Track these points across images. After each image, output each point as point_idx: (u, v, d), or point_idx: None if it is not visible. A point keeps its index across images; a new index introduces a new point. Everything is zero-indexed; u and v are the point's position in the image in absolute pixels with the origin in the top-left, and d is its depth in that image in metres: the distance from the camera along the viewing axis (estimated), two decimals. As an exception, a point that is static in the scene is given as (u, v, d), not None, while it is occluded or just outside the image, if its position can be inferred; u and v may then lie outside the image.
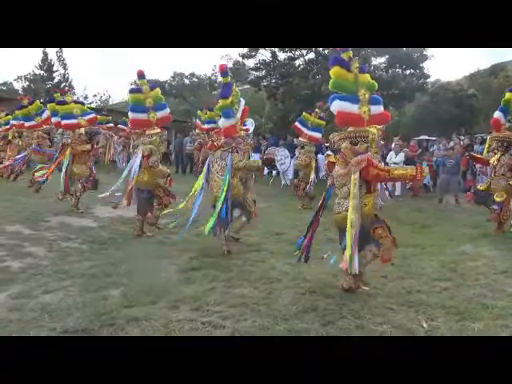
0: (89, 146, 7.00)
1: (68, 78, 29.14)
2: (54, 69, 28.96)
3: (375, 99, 3.73)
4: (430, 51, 16.55)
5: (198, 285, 3.73)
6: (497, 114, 6.13)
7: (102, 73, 45.99)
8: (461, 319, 3.14)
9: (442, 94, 20.45)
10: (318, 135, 8.23)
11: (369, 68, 15.64)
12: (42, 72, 28.77)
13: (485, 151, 6.78)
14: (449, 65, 60.15)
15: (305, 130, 8.15)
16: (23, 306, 3.19)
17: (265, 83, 17.36)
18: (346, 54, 3.57)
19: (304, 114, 8.27)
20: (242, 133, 5.20)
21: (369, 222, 3.59)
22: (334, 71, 3.59)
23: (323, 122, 8.20)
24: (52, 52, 28.98)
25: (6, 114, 12.11)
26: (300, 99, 15.44)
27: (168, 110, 5.68)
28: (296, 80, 15.87)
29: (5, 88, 27.86)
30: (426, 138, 14.79)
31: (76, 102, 7.40)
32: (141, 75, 5.45)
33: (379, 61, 16.93)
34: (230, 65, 24.62)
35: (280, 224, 6.33)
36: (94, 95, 27.95)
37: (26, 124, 9.37)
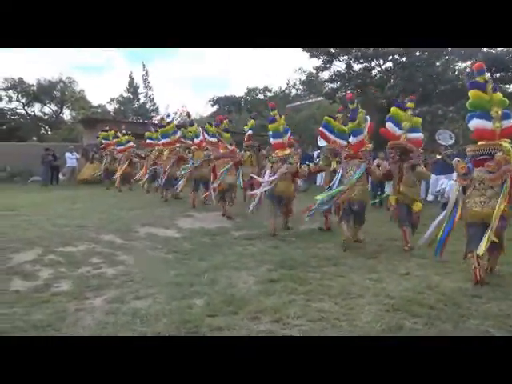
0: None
1: (153, 99, 31.43)
2: (140, 90, 31.40)
3: (506, 114, 4.28)
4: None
5: (278, 297, 3.74)
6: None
7: (180, 88, 48.74)
8: None
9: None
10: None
11: (453, 75, 14.84)
12: (129, 94, 31.36)
13: None
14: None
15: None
16: (117, 310, 3.44)
17: (340, 95, 17.14)
18: (482, 77, 4.25)
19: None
20: (370, 146, 6.09)
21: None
22: (472, 93, 4.27)
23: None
24: (138, 76, 31.50)
25: (124, 134, 13.48)
26: (377, 109, 14.98)
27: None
28: (372, 90, 15.46)
29: (99, 110, 30.74)
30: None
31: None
32: (273, 108, 6.68)
33: (465, 64, 15.86)
34: (304, 77, 24.94)
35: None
36: (175, 113, 29.73)
37: (163, 141, 10.79)
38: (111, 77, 50.94)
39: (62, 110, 30.11)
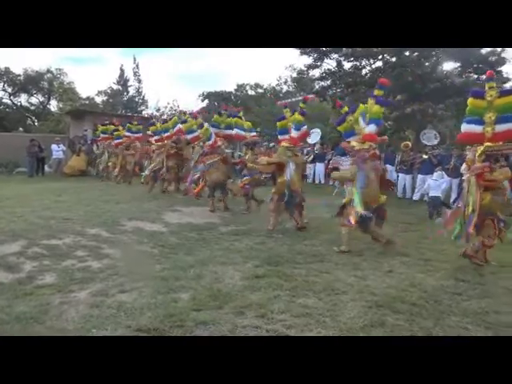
0: None
1: (142, 92, 31.12)
2: (130, 83, 31.07)
3: (503, 119, 4.58)
4: (508, 54, 15.36)
5: (263, 292, 3.77)
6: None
7: (170, 83, 48.33)
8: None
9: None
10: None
11: (441, 74, 15.00)
12: (118, 87, 31.01)
13: None
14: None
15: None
16: (102, 303, 3.44)
17: (330, 93, 17.20)
18: (489, 84, 4.67)
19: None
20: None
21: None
22: (470, 101, 4.76)
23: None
24: (128, 67, 31.18)
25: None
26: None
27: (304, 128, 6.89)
28: (363, 89, 15.55)
29: (87, 102, 30.35)
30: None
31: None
32: (285, 106, 7.17)
33: (452, 66, 16.05)
34: (295, 75, 24.95)
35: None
36: (165, 106, 29.52)
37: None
38: (101, 69, 50.33)
39: (49, 100, 29.70)
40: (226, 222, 7.17)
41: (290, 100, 25.39)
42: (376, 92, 5.53)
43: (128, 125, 13.14)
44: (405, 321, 3.22)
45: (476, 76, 15.83)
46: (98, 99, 31.88)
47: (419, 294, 3.80)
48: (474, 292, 3.91)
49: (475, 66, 15.30)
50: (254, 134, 9.03)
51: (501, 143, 4.70)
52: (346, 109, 5.85)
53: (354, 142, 5.59)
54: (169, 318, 3.15)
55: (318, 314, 3.32)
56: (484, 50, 15.10)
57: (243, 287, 3.91)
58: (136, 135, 12.87)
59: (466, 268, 4.66)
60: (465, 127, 4.83)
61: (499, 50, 15.06)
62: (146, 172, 10.90)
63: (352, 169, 5.50)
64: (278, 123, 7.01)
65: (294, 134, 6.63)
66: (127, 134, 12.99)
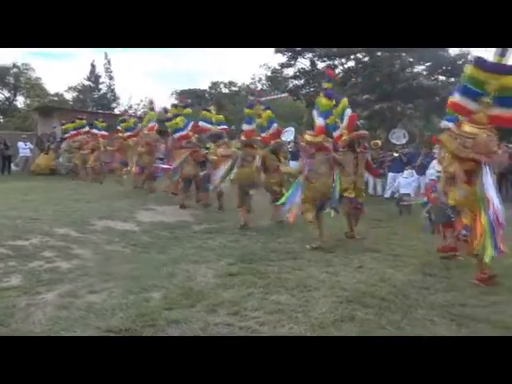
0: None
1: (113, 89, 30.49)
2: (101, 80, 30.38)
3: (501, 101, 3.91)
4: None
5: (236, 290, 3.78)
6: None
7: (143, 80, 47.55)
8: (508, 334, 2.99)
9: (489, 100, 19.58)
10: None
11: (410, 74, 15.38)
12: (89, 83, 30.26)
13: None
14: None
15: None
16: (71, 305, 3.36)
17: (304, 92, 17.35)
18: (498, 58, 3.80)
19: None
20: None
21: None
22: (471, 69, 3.94)
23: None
24: (100, 64, 30.50)
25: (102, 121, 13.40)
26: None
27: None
28: (335, 88, 15.77)
29: (56, 98, 29.47)
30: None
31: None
32: (257, 93, 7.50)
33: (420, 68, 16.48)
34: (269, 73, 25.02)
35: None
36: (138, 103, 29.03)
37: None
38: (71, 64, 48.90)
39: (15, 96, 28.60)
40: (199, 220, 7.14)
41: (264, 98, 25.50)
42: (325, 85, 5.65)
43: (95, 121, 13.00)
44: (374, 315, 3.29)
45: (444, 78, 16.33)
46: (68, 95, 31.03)
47: (388, 289, 3.89)
48: (441, 286, 4.04)
49: (444, 68, 15.78)
50: (224, 127, 8.75)
51: None
52: (329, 85, 5.66)
53: (307, 136, 5.64)
54: (140, 318, 3.11)
55: (291, 310, 3.35)
56: (453, 53, 15.57)
57: (216, 285, 3.90)
58: (101, 133, 12.74)
59: (434, 263, 4.80)
60: (459, 98, 4.11)
61: (466, 52, 15.56)
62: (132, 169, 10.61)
63: (300, 163, 5.60)
64: (245, 110, 6.87)
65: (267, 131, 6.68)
66: (94, 131, 12.87)
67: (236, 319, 3.17)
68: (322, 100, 5.55)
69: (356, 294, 3.71)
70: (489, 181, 3.91)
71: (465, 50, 15.37)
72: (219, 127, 8.65)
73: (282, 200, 5.76)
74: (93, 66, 30.25)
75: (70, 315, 3.17)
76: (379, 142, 11.80)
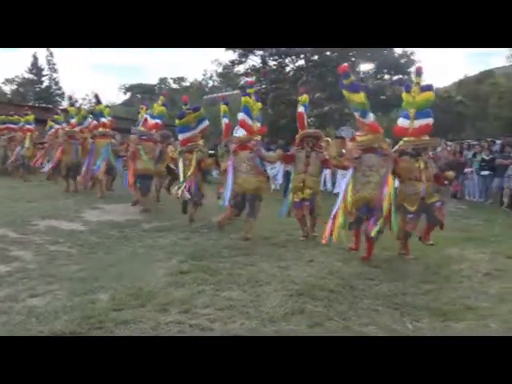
0: None
1: (58, 82, 29.01)
2: (44, 73, 28.79)
3: (421, 114, 4.88)
4: (417, 57, 16.78)
5: (187, 288, 3.74)
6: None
7: (90, 76, 45.70)
8: (444, 320, 3.21)
9: (430, 100, 20.71)
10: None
11: (358, 75, 15.94)
12: (31, 76, 28.58)
13: None
14: (437, 71, 60.89)
15: None
16: (10, 310, 3.17)
17: (255, 89, 17.43)
18: (416, 79, 5.10)
19: None
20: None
21: None
22: (403, 95, 5.03)
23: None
24: (42, 56, 28.89)
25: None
26: (290, 105, 15.57)
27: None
28: (286, 86, 16.00)
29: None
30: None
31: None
32: (185, 102, 6.86)
33: (367, 67, 17.14)
34: (220, 69, 24.91)
35: (269, 228, 6.37)
36: (83, 98, 27.85)
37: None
38: (10, 55, 45.94)
39: None
40: (149, 218, 6.99)
41: (216, 95, 25.34)
42: (247, 90, 6.03)
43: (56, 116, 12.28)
44: (323, 307, 3.39)
45: (388, 77, 17.07)
46: (6, 88, 29.13)
47: (337, 281, 4.02)
48: (385, 277, 4.24)
49: (388, 67, 16.51)
50: (157, 121, 8.17)
51: (413, 138, 4.97)
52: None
53: (240, 135, 5.95)
54: (86, 321, 2.99)
55: (242, 305, 3.37)
56: (397, 53, 16.31)
57: (167, 284, 3.84)
58: (28, 126, 12.12)
59: (379, 255, 5.03)
60: (398, 121, 5.12)
61: (409, 52, 16.37)
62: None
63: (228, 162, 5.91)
64: (176, 121, 6.69)
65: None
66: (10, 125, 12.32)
67: (187, 317, 3.14)
68: (250, 100, 5.91)
69: (306, 287, 3.80)
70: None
71: (408, 49, 16.17)
72: (154, 121, 8.08)
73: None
74: (35, 57, 28.62)
75: (9, 320, 2.99)
76: (329, 140, 12.14)
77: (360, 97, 4.67)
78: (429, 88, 5.02)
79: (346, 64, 4.95)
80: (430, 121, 4.96)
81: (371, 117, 4.82)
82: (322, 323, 3.11)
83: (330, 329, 3.02)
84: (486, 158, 10.63)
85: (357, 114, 4.87)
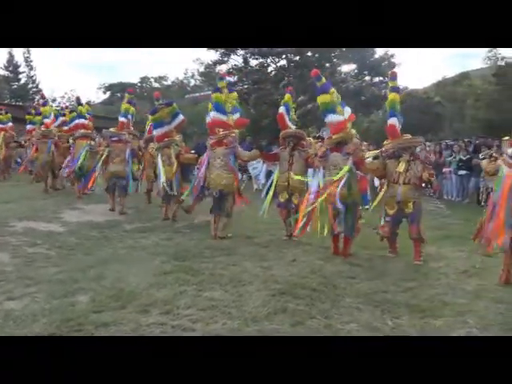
0: None
1: (35, 80, 28.34)
2: (21, 70, 28.10)
3: (388, 115, 5.27)
4: (397, 59, 17.08)
5: (169, 289, 3.71)
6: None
7: (69, 74, 44.84)
8: (423, 317, 3.27)
9: (409, 101, 21.10)
10: None
11: (339, 76, 16.10)
12: (7, 73, 27.86)
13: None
14: (416, 73, 62.27)
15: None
16: (-14, 313, 3.09)
17: (237, 89, 17.42)
18: (391, 82, 5.24)
19: None
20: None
21: None
22: (393, 96, 5.21)
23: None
24: (18, 53, 28.18)
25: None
26: (272, 105, 15.60)
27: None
28: (268, 86, 16.04)
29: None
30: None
31: None
32: (157, 98, 6.93)
33: (349, 68, 17.31)
34: (202, 69, 24.79)
35: (252, 228, 6.38)
36: (62, 96, 27.30)
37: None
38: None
39: None
40: (131, 219, 6.91)
41: (198, 94, 25.19)
42: (218, 84, 6.14)
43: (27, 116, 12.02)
44: (305, 305, 3.41)
45: (369, 78, 17.29)
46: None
47: (319, 280, 4.06)
48: (366, 275, 4.29)
49: (369, 69, 16.74)
50: (122, 119, 7.96)
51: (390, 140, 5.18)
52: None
53: (221, 131, 6.00)
54: (65, 323, 2.94)
55: (224, 305, 3.37)
56: (378, 55, 16.55)
57: (148, 285, 3.80)
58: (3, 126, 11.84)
59: (360, 254, 5.09)
60: (389, 120, 5.21)
61: (390, 54, 16.63)
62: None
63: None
64: (149, 116, 6.96)
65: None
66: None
67: (169, 318, 3.12)
68: (221, 95, 6.02)
69: (288, 287, 3.82)
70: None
71: (389, 51, 16.42)
72: (120, 119, 7.93)
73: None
74: (11, 54, 27.88)
75: (-16, 324, 2.91)
76: (312, 139, 12.24)
77: (326, 97, 4.92)
78: (393, 90, 5.23)
79: (315, 70, 5.24)
80: (392, 121, 5.14)
81: (337, 114, 5.00)
82: (304, 322, 3.13)
83: (313, 327, 3.04)
84: (463, 158, 10.87)
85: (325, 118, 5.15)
